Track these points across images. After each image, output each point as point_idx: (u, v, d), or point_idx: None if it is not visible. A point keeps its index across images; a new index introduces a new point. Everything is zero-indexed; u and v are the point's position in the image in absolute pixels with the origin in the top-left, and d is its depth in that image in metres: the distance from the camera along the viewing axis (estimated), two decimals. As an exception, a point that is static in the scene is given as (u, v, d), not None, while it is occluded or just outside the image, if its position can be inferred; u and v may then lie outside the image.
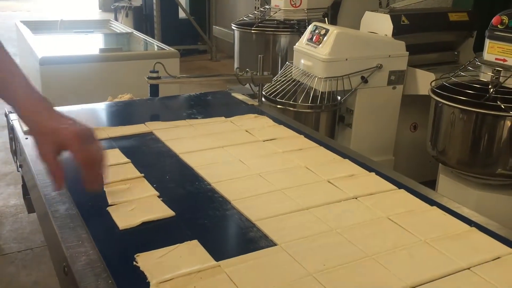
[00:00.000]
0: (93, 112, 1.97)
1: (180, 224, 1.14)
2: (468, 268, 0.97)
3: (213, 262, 0.96)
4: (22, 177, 1.72)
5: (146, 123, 1.75)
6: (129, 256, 0.98)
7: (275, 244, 1.04)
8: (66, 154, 0.97)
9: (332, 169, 1.41)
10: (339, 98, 2.69)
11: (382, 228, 1.12)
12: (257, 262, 0.98)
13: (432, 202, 1.25)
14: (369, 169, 1.43)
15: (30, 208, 1.68)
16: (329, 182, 1.34)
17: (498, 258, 1.02)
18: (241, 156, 1.49)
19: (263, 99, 2.34)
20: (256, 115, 1.88)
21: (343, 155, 1.53)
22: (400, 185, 1.33)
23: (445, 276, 0.95)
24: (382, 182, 1.35)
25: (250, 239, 1.07)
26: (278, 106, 2.60)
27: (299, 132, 1.72)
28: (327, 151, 1.56)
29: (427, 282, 0.93)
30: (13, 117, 1.78)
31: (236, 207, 1.19)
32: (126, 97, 2.24)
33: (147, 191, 1.26)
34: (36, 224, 2.55)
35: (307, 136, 1.68)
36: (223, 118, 1.83)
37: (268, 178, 1.34)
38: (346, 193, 1.27)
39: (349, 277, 0.94)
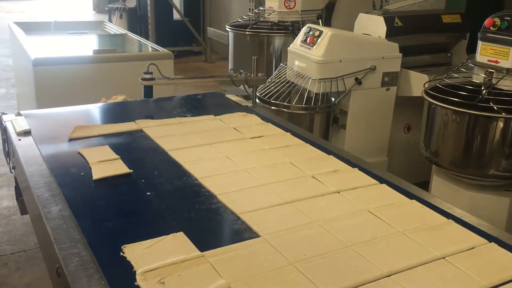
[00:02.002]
0: (86, 113, 1.97)
1: (167, 217, 1.16)
2: (443, 258, 1.01)
3: (198, 253, 0.99)
4: (15, 178, 1.72)
5: (136, 121, 1.76)
6: (122, 256, 0.98)
7: (258, 236, 1.07)
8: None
9: (317, 165, 1.45)
10: (333, 99, 2.69)
11: (362, 220, 1.15)
12: (240, 253, 1.00)
13: (411, 196, 1.28)
14: (353, 165, 1.46)
15: (23, 210, 1.68)
16: (313, 177, 1.37)
17: (472, 248, 1.05)
18: (229, 153, 1.51)
19: (257, 100, 2.34)
20: (244, 113, 1.90)
21: (328, 152, 1.55)
22: (381, 180, 1.36)
23: (420, 265, 0.98)
24: (364, 177, 1.38)
25: (235, 231, 1.10)
26: (272, 108, 2.60)
27: (287, 130, 1.74)
28: (312, 148, 1.59)
29: (403, 271, 0.96)
30: (6, 118, 1.77)
31: (221, 201, 1.22)
32: (120, 98, 2.23)
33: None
34: (29, 226, 2.54)
35: (294, 133, 1.71)
36: (212, 116, 1.85)
37: (253, 173, 1.37)
38: (329, 188, 1.30)
39: (328, 266, 0.97)
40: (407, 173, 2.54)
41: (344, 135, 2.73)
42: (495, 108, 2.12)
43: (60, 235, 1.05)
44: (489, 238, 1.09)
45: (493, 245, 1.07)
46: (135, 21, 7.44)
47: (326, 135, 2.70)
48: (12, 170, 1.71)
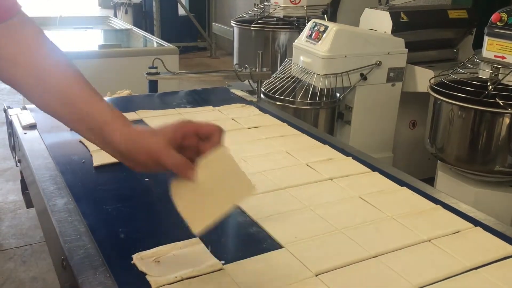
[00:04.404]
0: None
1: (164, 202, 1.19)
2: (429, 240, 1.04)
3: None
4: (21, 172, 1.72)
5: (136, 111, 1.79)
6: (120, 238, 1.01)
7: (251, 219, 1.10)
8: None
9: (311, 154, 1.48)
10: (338, 95, 2.69)
11: (353, 205, 1.19)
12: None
13: (402, 183, 1.31)
14: (347, 154, 1.49)
15: (29, 203, 1.68)
16: (307, 165, 1.40)
17: (458, 232, 1.08)
18: (226, 142, 1.53)
19: (262, 95, 2.34)
20: (243, 104, 1.93)
21: (323, 141, 1.59)
22: (374, 168, 1.40)
23: (406, 247, 1.02)
24: (358, 165, 1.41)
25: (229, 216, 1.12)
26: (277, 103, 2.60)
27: (284, 121, 1.77)
28: (308, 138, 1.62)
29: (389, 252, 1.00)
30: (12, 112, 1.78)
31: None
32: (125, 93, 2.24)
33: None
34: (35, 220, 2.56)
35: (291, 124, 1.74)
36: (210, 107, 1.87)
37: (249, 161, 1.41)
38: (322, 175, 1.34)
39: (317, 247, 1.00)
40: (412, 169, 2.53)
41: (349, 130, 2.73)
42: (501, 104, 2.11)
43: (65, 227, 1.05)
44: (475, 223, 1.12)
45: (478, 229, 1.10)
46: (141, 16, 7.45)
47: (331, 130, 2.70)
48: (18, 164, 1.71)
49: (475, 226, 1.11)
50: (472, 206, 1.23)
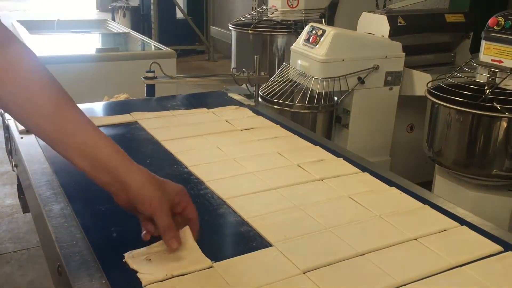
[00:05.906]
0: (88, 112, 1.96)
1: None
2: (415, 239, 1.06)
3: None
4: (17, 176, 1.72)
5: (131, 113, 1.79)
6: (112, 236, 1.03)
7: (242, 219, 1.12)
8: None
9: (303, 155, 1.49)
10: (335, 98, 2.69)
11: (342, 205, 1.20)
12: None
13: (391, 184, 1.33)
14: (338, 155, 1.51)
15: (25, 208, 1.68)
16: (298, 166, 1.41)
17: (444, 230, 1.10)
18: (219, 143, 1.56)
19: (259, 99, 2.34)
20: (237, 106, 1.94)
21: (315, 143, 1.60)
22: (364, 169, 1.41)
23: (392, 245, 1.03)
24: (348, 166, 1.43)
25: (219, 215, 1.15)
26: (275, 107, 2.60)
27: (278, 123, 1.78)
28: (300, 139, 1.63)
29: (376, 250, 1.01)
30: (9, 116, 1.77)
31: (209, 187, 1.27)
32: (122, 97, 2.23)
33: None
34: (32, 224, 2.55)
35: (284, 126, 1.75)
36: (205, 109, 1.89)
37: (241, 162, 1.42)
38: (313, 176, 1.35)
39: (306, 245, 1.02)
40: (410, 172, 2.53)
41: (346, 134, 2.73)
42: (499, 108, 2.11)
43: (61, 233, 1.05)
44: (462, 222, 1.14)
45: (465, 228, 1.11)
46: (138, 19, 7.46)
47: (328, 134, 2.70)
48: (14, 168, 1.71)
49: (461, 225, 1.12)
50: (470, 211, 1.23)
